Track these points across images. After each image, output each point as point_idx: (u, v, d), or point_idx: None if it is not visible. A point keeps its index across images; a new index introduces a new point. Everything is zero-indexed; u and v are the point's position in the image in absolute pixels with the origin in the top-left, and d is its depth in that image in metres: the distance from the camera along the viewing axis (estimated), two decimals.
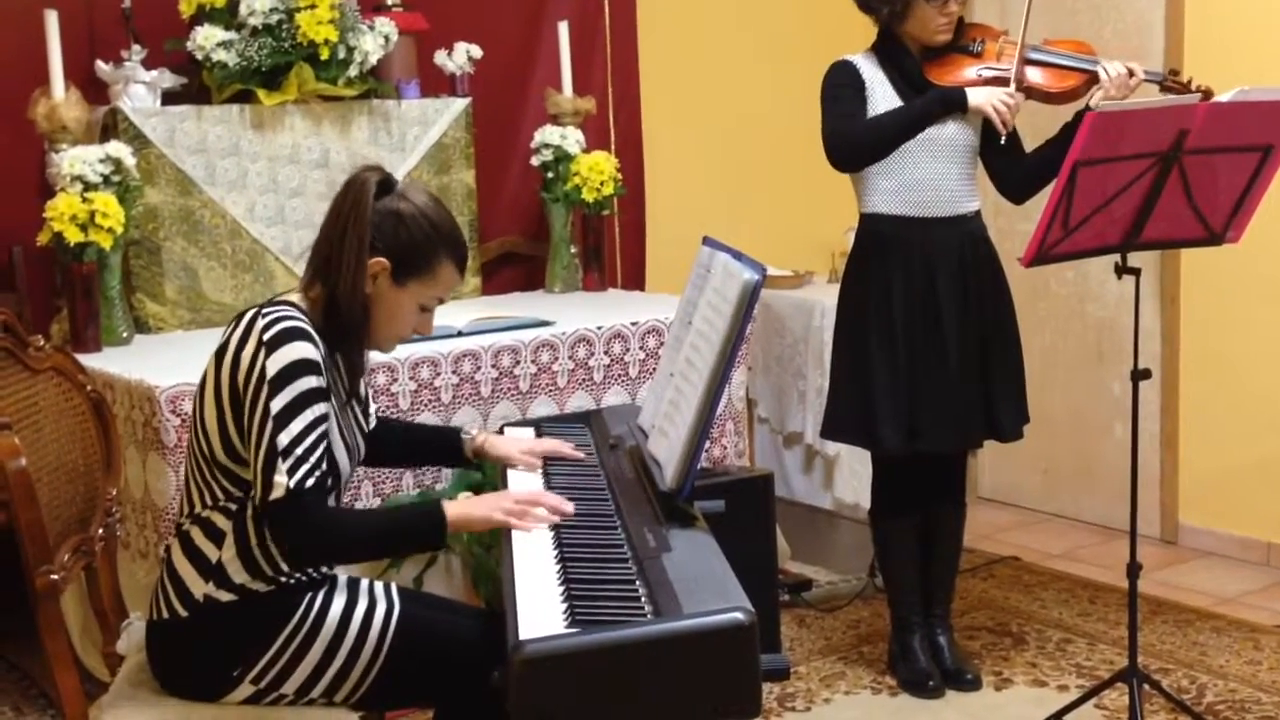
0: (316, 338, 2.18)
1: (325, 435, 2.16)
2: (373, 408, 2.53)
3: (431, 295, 2.29)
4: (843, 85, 3.31)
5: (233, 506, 2.21)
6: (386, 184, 2.27)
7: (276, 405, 2.11)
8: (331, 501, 2.24)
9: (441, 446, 2.64)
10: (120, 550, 2.64)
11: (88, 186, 3.44)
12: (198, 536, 2.23)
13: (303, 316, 2.20)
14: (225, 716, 2.23)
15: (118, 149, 3.50)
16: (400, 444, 2.62)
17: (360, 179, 2.25)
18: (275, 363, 2.12)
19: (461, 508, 2.26)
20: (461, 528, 2.26)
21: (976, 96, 3.22)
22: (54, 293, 3.75)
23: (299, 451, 2.11)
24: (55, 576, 2.20)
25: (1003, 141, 3.22)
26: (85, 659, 3.17)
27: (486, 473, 3.28)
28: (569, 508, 2.27)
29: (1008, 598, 4.15)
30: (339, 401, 2.26)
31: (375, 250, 2.23)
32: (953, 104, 3.24)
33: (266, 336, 2.14)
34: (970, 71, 3.28)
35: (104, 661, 2.51)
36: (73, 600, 3.19)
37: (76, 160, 3.43)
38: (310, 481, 2.12)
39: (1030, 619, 3.97)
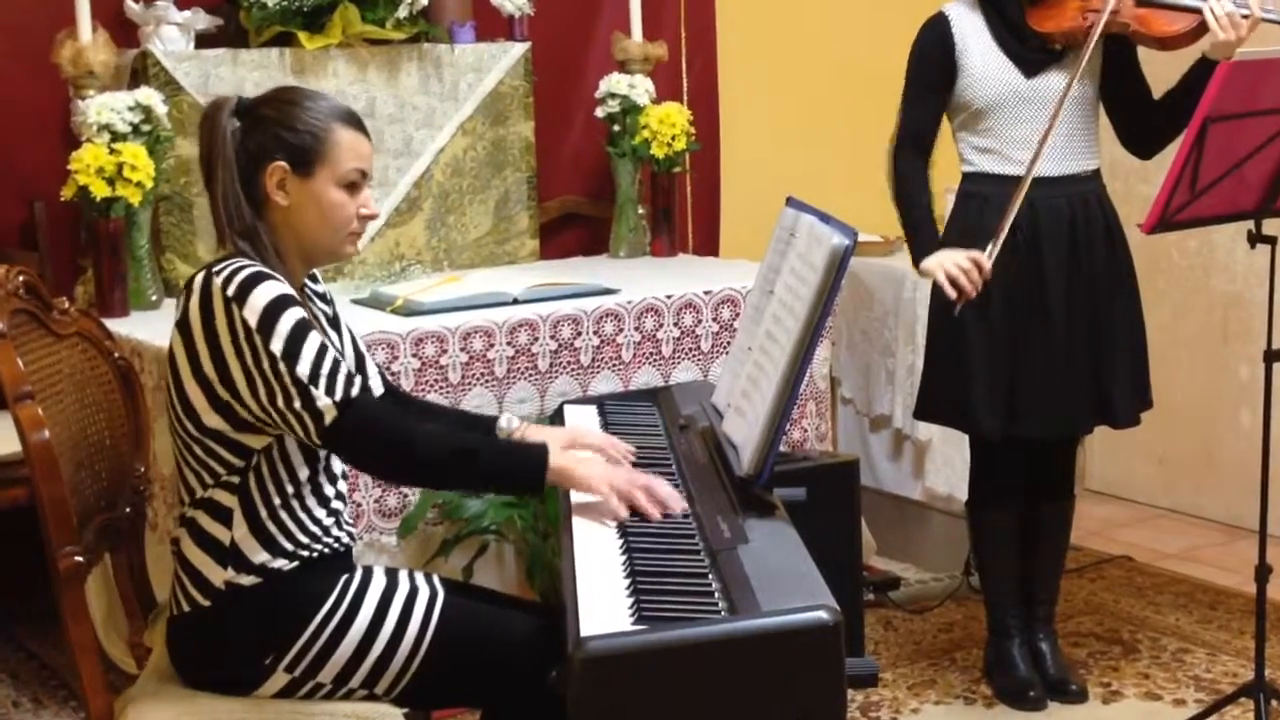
0: (277, 275, 2.23)
1: (337, 354, 2.22)
2: (371, 368, 2.54)
3: (346, 170, 2.30)
4: (925, 61, 3.33)
5: (235, 480, 2.24)
6: (240, 106, 2.31)
7: (277, 345, 2.16)
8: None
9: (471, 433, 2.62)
10: (148, 532, 2.68)
11: (115, 136, 3.47)
12: (204, 521, 2.25)
13: (253, 262, 2.24)
14: (260, 709, 2.25)
15: (148, 96, 3.54)
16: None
17: (209, 115, 2.29)
18: (252, 310, 2.17)
19: (568, 460, 2.28)
20: (560, 480, 2.28)
21: (930, 262, 3.23)
22: (78, 252, 3.80)
23: (325, 370, 2.18)
24: (79, 559, 2.24)
25: (955, 313, 3.20)
26: (109, 649, 3.22)
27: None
28: (678, 505, 2.26)
29: (1118, 601, 4.11)
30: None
31: (264, 162, 2.26)
32: (914, 252, 3.31)
33: (230, 291, 2.18)
34: (1073, 14, 3.24)
35: (130, 652, 2.55)
36: (97, 585, 3.24)
37: (103, 108, 3.47)
38: (354, 390, 2.19)
39: (1143, 625, 3.93)
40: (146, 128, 3.53)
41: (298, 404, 2.17)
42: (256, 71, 3.81)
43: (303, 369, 2.16)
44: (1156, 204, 2.85)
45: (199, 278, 2.23)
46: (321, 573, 2.29)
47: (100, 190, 3.44)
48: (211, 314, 2.19)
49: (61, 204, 3.58)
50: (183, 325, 2.23)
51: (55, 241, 3.81)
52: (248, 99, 2.34)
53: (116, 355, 2.57)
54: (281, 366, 2.16)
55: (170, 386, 2.26)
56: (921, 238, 3.32)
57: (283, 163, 2.27)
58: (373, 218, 2.37)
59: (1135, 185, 4.65)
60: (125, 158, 3.45)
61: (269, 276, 2.22)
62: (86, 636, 2.26)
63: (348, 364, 2.27)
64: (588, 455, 2.37)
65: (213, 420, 2.22)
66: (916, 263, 3.30)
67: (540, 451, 2.28)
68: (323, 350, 2.19)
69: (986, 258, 3.16)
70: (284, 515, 2.26)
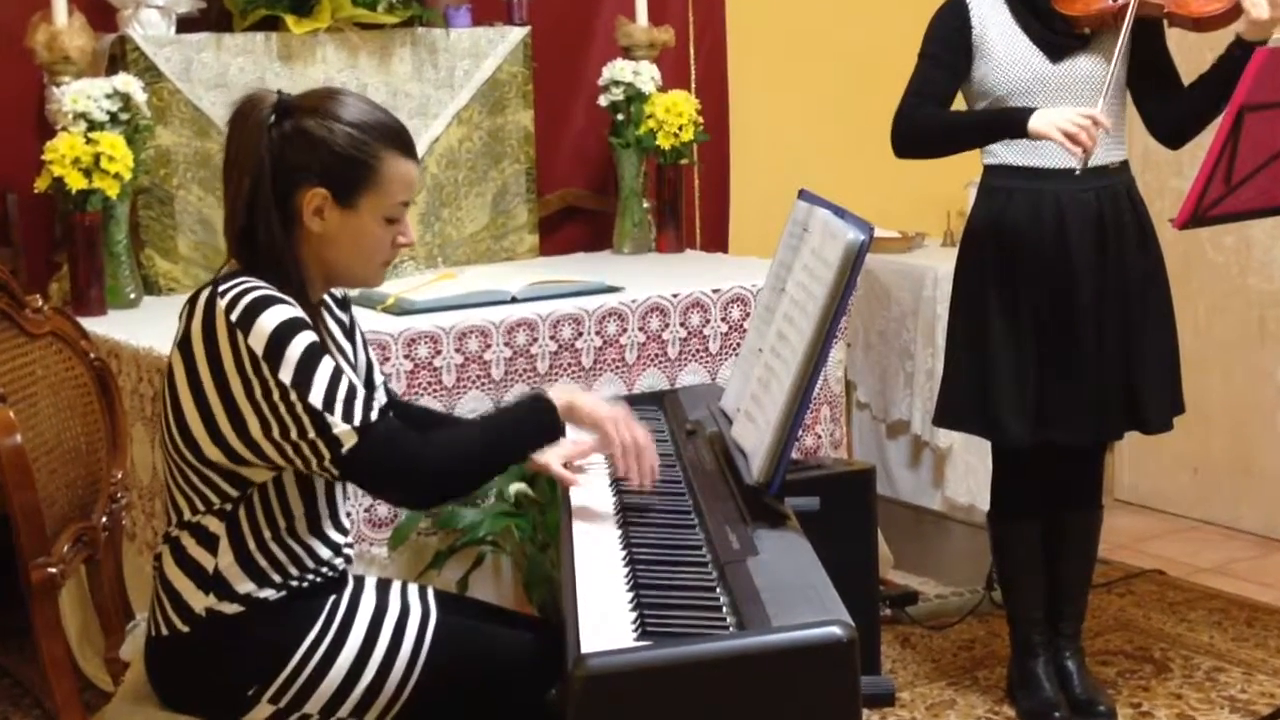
0: (285, 297, 2.17)
1: (350, 377, 2.17)
2: (378, 377, 2.52)
3: (391, 203, 2.24)
4: (939, 40, 3.33)
5: (228, 508, 2.21)
6: (281, 107, 2.21)
7: (286, 374, 2.11)
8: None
9: None
10: (125, 542, 2.69)
11: (92, 125, 3.48)
12: (189, 544, 2.23)
13: (262, 283, 2.17)
14: None
15: (126, 83, 3.54)
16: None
17: (244, 113, 2.21)
18: (257, 339, 2.11)
19: (566, 393, 2.32)
20: (569, 415, 2.31)
21: (1040, 120, 3.16)
22: (53, 247, 3.80)
23: (341, 396, 2.12)
24: (53, 570, 2.24)
25: (1077, 172, 3.16)
26: (84, 664, 3.22)
27: (544, 492, 3.30)
28: (653, 479, 2.35)
29: (1149, 618, 4.11)
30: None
31: (303, 184, 2.19)
32: (1012, 125, 3.21)
33: (234, 317, 2.12)
34: None
35: (105, 667, 2.55)
36: (72, 597, 3.25)
37: (80, 95, 3.48)
38: (373, 413, 2.14)
39: (1175, 643, 3.93)
40: (125, 116, 3.53)
41: (311, 433, 2.11)
42: (241, 57, 3.81)
43: (315, 397, 2.11)
44: (1189, 198, 2.85)
45: (203, 296, 2.18)
46: (309, 598, 2.27)
47: (76, 182, 3.44)
48: (215, 340, 2.14)
49: (35, 196, 3.58)
50: (184, 346, 2.18)
51: (29, 236, 3.82)
52: (289, 97, 2.23)
53: (93, 356, 2.57)
54: (293, 396, 2.11)
55: (167, 407, 2.21)
56: (996, 117, 3.24)
57: (324, 190, 2.19)
58: (408, 245, 2.33)
59: (1168, 178, 4.65)
60: (102, 148, 3.45)
61: (278, 300, 2.15)
62: (60, 652, 2.26)
63: (363, 382, 2.26)
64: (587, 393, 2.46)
65: (213, 453, 2.18)
66: (1020, 132, 3.18)
67: (542, 403, 2.29)
68: (337, 375, 2.14)
69: (1099, 112, 3.11)
70: (274, 548, 2.23)
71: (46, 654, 2.24)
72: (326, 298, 2.38)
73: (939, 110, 3.31)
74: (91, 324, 3.21)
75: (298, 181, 2.19)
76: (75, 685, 2.29)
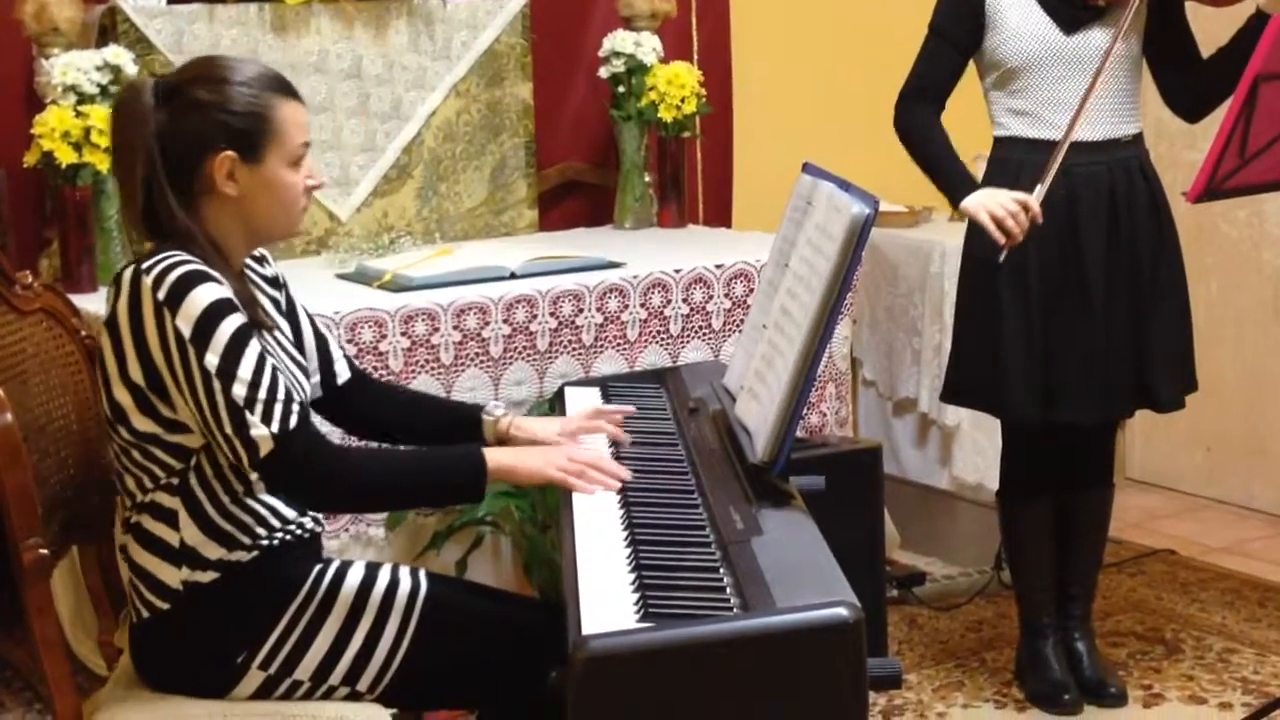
0: (212, 271, 2.19)
1: (276, 370, 2.19)
2: (335, 350, 2.54)
3: (293, 147, 2.29)
4: (949, 12, 3.33)
5: (175, 481, 2.23)
6: (162, 88, 2.25)
7: (212, 361, 2.13)
8: None
9: (451, 424, 2.61)
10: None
11: (82, 98, 3.47)
12: (150, 524, 2.25)
13: (188, 256, 2.20)
14: (239, 711, 2.25)
15: (117, 54, 3.53)
16: (397, 414, 2.61)
17: (126, 100, 2.25)
18: (185, 319, 2.13)
19: (507, 456, 2.30)
20: (504, 477, 2.30)
21: (972, 202, 3.20)
22: (43, 222, 3.79)
23: (262, 395, 2.14)
24: (45, 551, 2.24)
25: (999, 260, 3.18)
26: (77, 647, 3.22)
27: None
28: (626, 474, 2.31)
29: (1160, 598, 4.12)
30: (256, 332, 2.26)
31: (208, 152, 2.22)
32: (950, 193, 3.29)
33: (161, 295, 2.14)
34: None
35: (99, 651, 2.55)
36: (64, 580, 3.25)
37: (69, 67, 3.47)
38: (293, 420, 2.16)
39: (1187, 624, 3.94)
40: (115, 89, 3.52)
41: (229, 428, 2.14)
42: (234, 28, 3.80)
43: (238, 391, 2.13)
44: (1203, 171, 2.85)
45: (127, 274, 2.19)
46: (290, 561, 2.29)
47: (66, 156, 3.44)
48: (141, 318, 2.16)
49: (25, 171, 3.57)
50: (111, 325, 2.20)
51: (18, 211, 3.81)
52: (167, 79, 2.29)
53: (84, 334, 2.57)
54: (216, 385, 2.13)
55: (101, 389, 2.25)
56: (951, 177, 3.30)
57: (231, 152, 2.23)
58: (319, 188, 2.38)
59: (1180, 151, 4.64)
60: (93, 121, 3.44)
61: (206, 277, 2.17)
62: (52, 634, 2.26)
63: (289, 377, 2.25)
64: (529, 447, 2.41)
65: (144, 424, 2.21)
66: (955, 204, 3.27)
67: (475, 458, 2.27)
68: (261, 366, 2.15)
69: (1034, 199, 3.14)
70: (236, 510, 2.25)
71: (39, 637, 2.24)
72: (254, 275, 2.40)
73: (926, 126, 3.33)
74: (83, 301, 3.20)
75: (202, 151, 2.23)
76: (68, 668, 2.29)
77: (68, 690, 2.26)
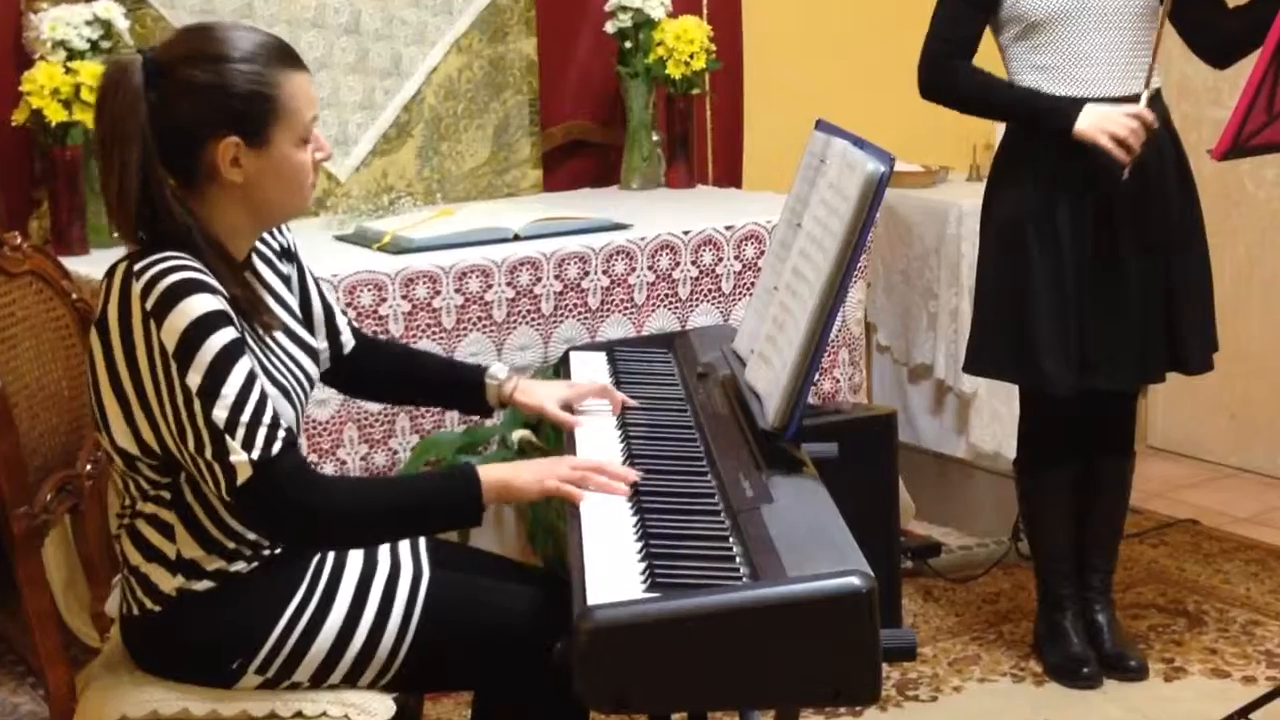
0: (207, 278, 2.09)
1: (264, 391, 2.10)
2: (340, 321, 2.49)
3: (302, 124, 2.16)
4: None
5: (166, 495, 2.17)
6: (152, 67, 2.11)
7: (194, 380, 2.05)
8: None
9: (454, 386, 2.58)
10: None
11: (72, 54, 3.46)
12: (145, 529, 2.20)
13: (183, 257, 2.09)
14: (237, 696, 2.23)
15: (108, 9, 3.52)
16: (399, 375, 2.58)
17: (113, 83, 2.10)
18: (170, 333, 2.05)
19: (503, 472, 2.22)
20: (501, 498, 2.23)
21: (1088, 124, 3.17)
22: (33, 183, 3.79)
23: (245, 419, 2.06)
24: (36, 520, 2.24)
25: (1125, 177, 3.17)
26: (69, 618, 3.23)
27: (548, 439, 3.30)
28: (634, 475, 2.23)
29: (1183, 569, 4.12)
30: (255, 339, 2.19)
31: (209, 139, 2.11)
32: (1055, 123, 3.23)
33: (149, 305, 2.05)
34: None
35: (91, 622, 2.56)
36: (56, 550, 3.26)
37: (59, 22, 3.46)
38: (276, 447, 2.07)
39: (1210, 595, 3.94)
40: (106, 45, 3.52)
41: (209, 452, 2.05)
42: None
43: (219, 414, 2.04)
44: (1229, 127, 2.83)
45: (119, 272, 2.11)
46: (287, 563, 2.24)
47: (56, 114, 3.43)
48: (130, 326, 2.08)
49: (13, 129, 3.57)
50: (101, 328, 2.12)
51: (7, 171, 3.80)
52: (157, 56, 2.13)
53: (75, 297, 2.57)
54: (196, 406, 2.04)
55: (91, 391, 2.16)
56: (1042, 106, 3.26)
57: (235, 137, 2.11)
58: (328, 159, 2.26)
59: (1205, 108, 4.62)
60: (83, 78, 3.44)
61: (199, 286, 2.07)
62: (44, 605, 2.27)
63: (290, 380, 2.21)
64: (528, 460, 2.33)
65: (127, 443, 2.14)
66: (1059, 133, 3.22)
67: (470, 481, 2.19)
68: (246, 390, 2.06)
69: (1143, 109, 3.14)
70: (236, 524, 2.18)
71: (31, 607, 2.25)
72: (265, 250, 2.32)
73: (976, 72, 3.31)
74: (73, 263, 3.21)
75: (202, 139, 2.12)
76: (60, 640, 2.30)
77: (60, 662, 2.27)
